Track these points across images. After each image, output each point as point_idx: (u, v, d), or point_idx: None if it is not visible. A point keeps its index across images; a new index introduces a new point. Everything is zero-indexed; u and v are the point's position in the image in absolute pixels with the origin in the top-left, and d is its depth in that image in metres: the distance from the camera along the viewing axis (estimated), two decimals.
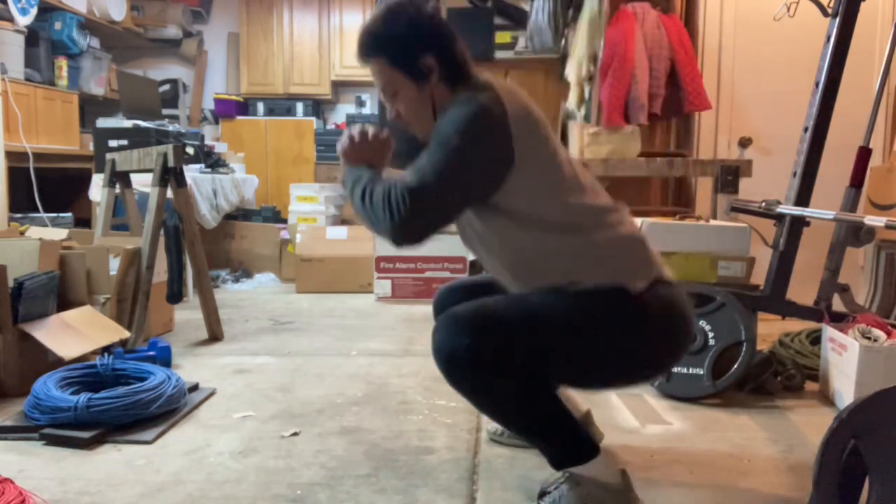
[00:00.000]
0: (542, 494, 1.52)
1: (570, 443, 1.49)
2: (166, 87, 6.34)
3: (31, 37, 4.74)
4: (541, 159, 1.48)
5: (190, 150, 4.49)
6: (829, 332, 2.37)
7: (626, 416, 2.17)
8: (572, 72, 3.74)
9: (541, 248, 1.49)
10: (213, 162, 4.70)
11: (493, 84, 1.52)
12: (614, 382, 1.70)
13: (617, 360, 1.49)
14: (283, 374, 2.59)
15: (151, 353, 2.51)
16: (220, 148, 5.29)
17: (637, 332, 1.47)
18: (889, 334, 2.21)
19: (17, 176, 4.40)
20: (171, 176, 2.94)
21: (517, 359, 1.42)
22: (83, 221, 4.70)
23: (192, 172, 4.26)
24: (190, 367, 2.66)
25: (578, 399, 1.88)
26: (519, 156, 1.45)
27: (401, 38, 1.56)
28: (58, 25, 5.06)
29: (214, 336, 3.12)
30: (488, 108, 1.45)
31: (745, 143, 3.92)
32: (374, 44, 1.58)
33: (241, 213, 5.10)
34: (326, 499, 1.61)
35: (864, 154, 2.88)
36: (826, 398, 2.35)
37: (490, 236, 1.54)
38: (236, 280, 4.67)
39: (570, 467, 1.48)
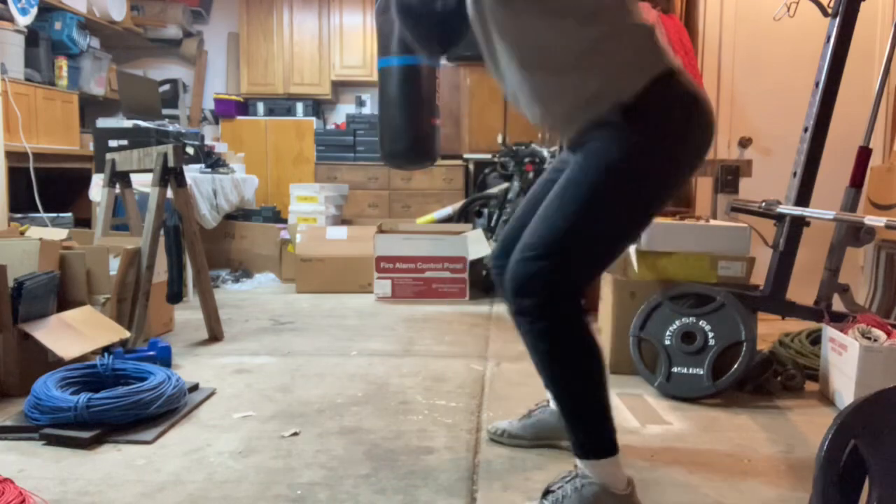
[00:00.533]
0: (547, 493, 1.52)
1: (605, 433, 1.49)
2: (166, 87, 6.34)
3: (31, 37, 4.74)
4: None
5: (190, 150, 4.49)
6: (829, 332, 2.37)
7: (626, 416, 2.17)
8: None
9: (559, 40, 1.46)
10: (213, 162, 4.70)
11: None
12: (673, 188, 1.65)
13: (666, 173, 1.49)
14: (283, 374, 2.59)
15: (151, 353, 2.51)
16: (220, 148, 5.29)
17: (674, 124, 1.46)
18: (889, 334, 2.21)
19: (17, 176, 4.40)
20: (171, 176, 2.94)
21: (593, 255, 1.46)
22: (83, 221, 4.70)
23: (192, 172, 4.26)
24: (190, 367, 2.66)
25: None
26: None
27: None
28: (58, 25, 5.06)
29: (214, 336, 3.12)
30: None
31: (745, 143, 3.92)
32: None
33: (241, 213, 5.10)
34: (326, 499, 1.61)
35: (864, 154, 2.88)
36: (826, 398, 2.35)
37: (511, 30, 1.50)
38: (236, 280, 4.67)
39: (594, 459, 1.48)
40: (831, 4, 2.55)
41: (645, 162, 1.45)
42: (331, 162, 6.26)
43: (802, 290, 2.77)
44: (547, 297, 1.44)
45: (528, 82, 1.53)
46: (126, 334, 2.60)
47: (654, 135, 1.45)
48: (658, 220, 2.65)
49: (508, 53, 1.53)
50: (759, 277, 2.62)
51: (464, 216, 4.91)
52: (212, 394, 2.34)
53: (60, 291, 2.56)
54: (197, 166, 4.56)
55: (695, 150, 1.52)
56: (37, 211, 4.39)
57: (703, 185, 3.87)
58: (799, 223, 2.54)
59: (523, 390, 2.41)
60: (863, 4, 2.48)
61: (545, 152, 4.28)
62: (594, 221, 1.46)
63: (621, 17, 1.48)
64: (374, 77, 5.07)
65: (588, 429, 1.50)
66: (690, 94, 1.49)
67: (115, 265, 2.79)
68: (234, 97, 6.45)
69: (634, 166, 1.45)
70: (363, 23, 6.38)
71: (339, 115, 6.75)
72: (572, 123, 1.54)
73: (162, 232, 2.91)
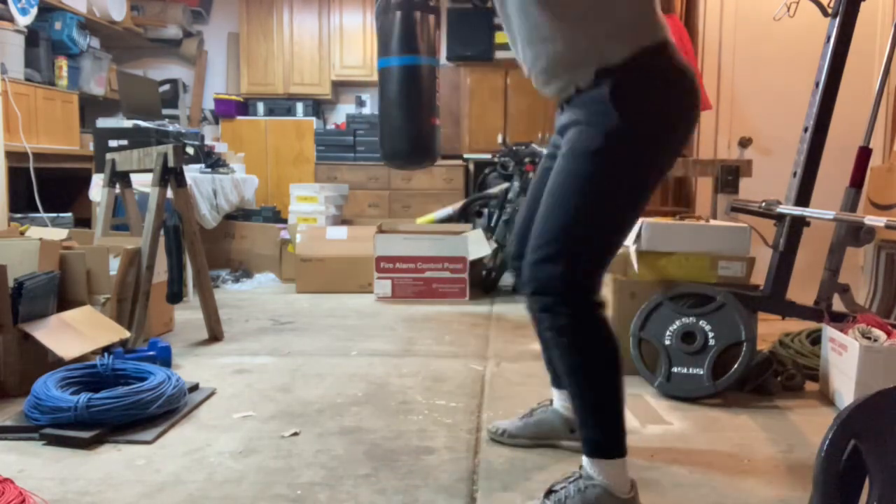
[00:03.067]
0: (549, 492, 1.52)
1: (619, 432, 1.50)
2: (166, 87, 6.34)
3: (31, 37, 4.74)
4: None
5: (190, 150, 4.49)
6: (829, 332, 2.37)
7: (626, 416, 2.16)
8: None
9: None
10: (213, 162, 4.70)
11: None
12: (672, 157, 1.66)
13: (661, 145, 1.50)
14: (283, 374, 2.59)
15: (151, 353, 2.51)
16: (220, 148, 5.29)
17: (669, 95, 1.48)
18: (889, 334, 2.21)
19: (17, 176, 4.40)
20: (171, 176, 2.94)
21: (599, 243, 1.47)
22: (83, 221, 4.70)
23: (192, 172, 4.26)
24: (190, 367, 2.66)
25: None
26: None
27: None
28: (58, 25, 5.06)
29: (214, 336, 3.12)
30: None
31: (745, 143, 3.92)
32: None
33: (241, 213, 5.10)
34: (326, 499, 1.61)
35: (864, 154, 2.88)
36: (826, 398, 2.35)
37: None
38: (236, 280, 4.67)
39: (603, 458, 1.48)
40: (831, 4, 2.55)
41: (630, 148, 1.46)
42: (331, 162, 6.26)
43: (802, 290, 2.77)
44: (563, 294, 1.46)
45: (528, 22, 1.54)
46: (126, 334, 2.60)
47: (637, 118, 1.45)
48: (658, 221, 2.65)
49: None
50: (759, 277, 2.62)
51: (464, 216, 4.91)
52: (212, 394, 2.34)
53: (60, 291, 2.56)
54: (197, 166, 4.56)
55: (681, 127, 1.53)
56: (37, 211, 4.39)
57: (703, 185, 3.87)
58: (799, 223, 2.54)
59: (523, 390, 2.41)
60: (863, 4, 2.48)
61: (545, 152, 4.28)
62: (594, 210, 1.47)
63: None
64: (374, 77, 5.07)
65: (604, 426, 1.50)
66: (678, 69, 1.49)
67: (115, 265, 2.79)
68: (234, 97, 6.45)
69: (620, 154, 1.46)
70: (363, 23, 6.38)
71: (339, 115, 6.75)
72: (556, 80, 1.55)
73: (162, 232, 2.91)
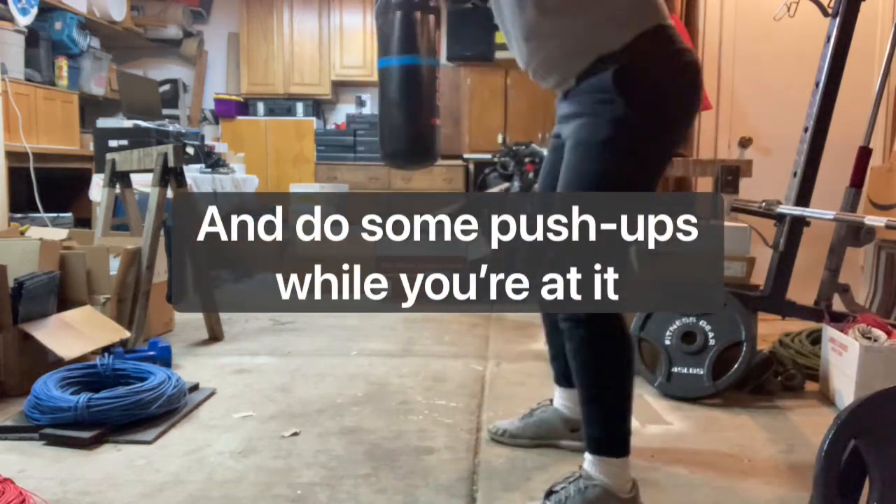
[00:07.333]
0: (550, 493, 1.52)
1: (625, 430, 1.51)
2: (166, 87, 6.34)
3: (32, 37, 4.74)
4: None
5: (190, 150, 4.49)
6: (829, 332, 2.37)
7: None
8: None
9: None
10: (214, 162, 4.70)
11: None
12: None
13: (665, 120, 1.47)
14: (283, 374, 2.59)
15: (151, 353, 2.51)
16: (221, 148, 5.28)
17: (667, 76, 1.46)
18: (889, 334, 2.21)
19: (17, 176, 4.40)
20: (171, 176, 2.94)
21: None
22: (83, 221, 4.70)
23: (192, 172, 4.26)
24: (190, 367, 2.66)
25: None
26: None
27: None
28: (58, 25, 5.05)
29: (214, 336, 3.11)
30: None
31: (745, 143, 3.92)
32: None
33: None
34: (326, 499, 1.61)
35: (864, 154, 2.88)
36: (826, 398, 2.35)
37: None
38: (236, 280, 4.66)
39: (606, 456, 1.48)
40: (831, 4, 2.55)
41: (638, 134, 1.44)
42: (331, 162, 6.26)
43: (802, 290, 2.77)
44: None
45: (521, 19, 1.53)
46: (126, 334, 2.60)
47: (642, 102, 1.44)
48: None
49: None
50: (759, 277, 2.62)
51: None
52: (212, 394, 2.34)
53: (60, 291, 2.56)
54: (197, 166, 4.56)
55: (685, 106, 1.52)
56: (37, 211, 4.39)
57: (703, 186, 3.87)
58: (799, 223, 2.54)
59: (523, 390, 2.41)
60: (863, 4, 2.48)
61: (545, 152, 4.28)
62: None
63: None
64: (374, 77, 5.07)
65: (611, 424, 1.51)
66: (679, 49, 1.48)
67: (115, 265, 2.79)
68: (234, 97, 6.45)
69: (630, 141, 1.44)
70: (363, 23, 6.37)
71: (339, 115, 6.75)
72: (555, 72, 1.54)
73: (162, 232, 2.91)
